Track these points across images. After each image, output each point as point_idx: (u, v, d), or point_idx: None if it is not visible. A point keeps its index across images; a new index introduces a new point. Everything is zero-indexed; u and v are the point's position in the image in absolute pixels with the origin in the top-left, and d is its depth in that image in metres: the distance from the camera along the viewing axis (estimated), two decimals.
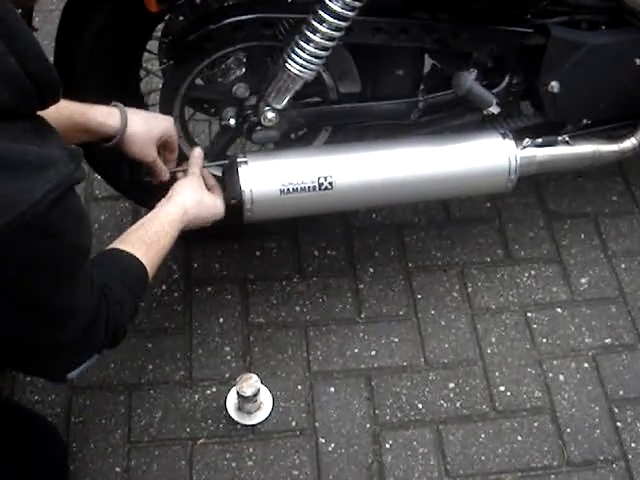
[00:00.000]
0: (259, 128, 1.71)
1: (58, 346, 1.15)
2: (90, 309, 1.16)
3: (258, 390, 1.74)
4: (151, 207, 1.53)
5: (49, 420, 1.72)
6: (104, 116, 1.46)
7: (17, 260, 0.93)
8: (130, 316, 1.33)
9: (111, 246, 1.38)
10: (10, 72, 0.90)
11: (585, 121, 1.89)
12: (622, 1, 1.71)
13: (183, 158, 1.72)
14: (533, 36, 1.70)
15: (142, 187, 1.71)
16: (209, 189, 1.63)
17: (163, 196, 1.54)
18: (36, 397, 1.79)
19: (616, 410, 1.83)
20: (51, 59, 1.22)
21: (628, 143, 1.93)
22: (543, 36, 1.71)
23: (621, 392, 1.86)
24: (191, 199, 1.53)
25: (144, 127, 1.51)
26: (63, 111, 1.33)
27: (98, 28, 1.54)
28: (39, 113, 1.01)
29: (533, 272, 2.06)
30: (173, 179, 1.63)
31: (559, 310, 2.00)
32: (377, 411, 1.81)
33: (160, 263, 1.43)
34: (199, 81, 1.75)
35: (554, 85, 1.76)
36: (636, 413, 1.83)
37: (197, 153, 1.66)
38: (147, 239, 1.40)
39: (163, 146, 1.60)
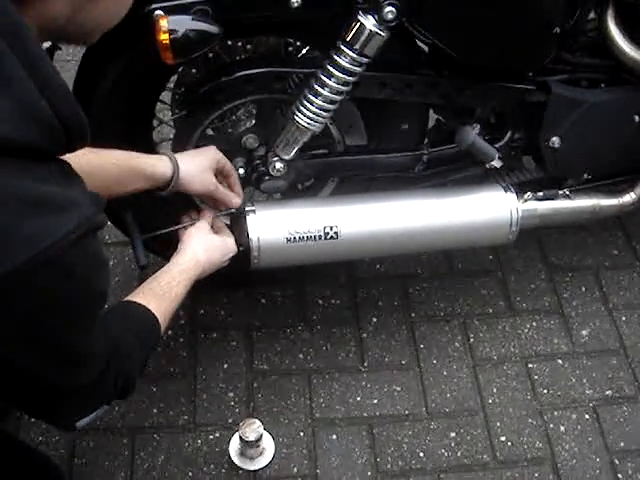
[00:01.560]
0: (267, 178, 1.75)
1: (68, 392, 1.14)
2: (102, 359, 1.16)
3: (261, 436, 1.75)
4: (160, 254, 1.54)
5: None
6: (154, 160, 1.52)
7: (34, 298, 0.93)
8: (140, 368, 1.34)
9: (124, 300, 1.40)
10: (42, 115, 0.91)
11: (585, 176, 1.92)
12: (621, 60, 1.75)
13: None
14: (534, 93, 1.74)
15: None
16: (216, 231, 1.65)
17: (176, 244, 1.57)
18: (40, 438, 1.80)
19: (617, 462, 1.84)
20: None
21: (628, 197, 1.96)
22: (544, 93, 1.75)
23: (622, 444, 1.87)
24: (201, 247, 1.56)
25: (193, 161, 1.56)
26: (119, 162, 1.45)
27: (114, 79, 1.58)
28: (66, 157, 1.03)
29: (534, 324, 2.08)
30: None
31: (560, 361, 2.01)
32: (378, 459, 1.82)
33: (174, 313, 1.44)
34: (210, 131, 1.79)
35: (555, 141, 1.80)
36: (637, 465, 1.83)
37: (209, 212, 1.69)
38: (159, 290, 1.42)
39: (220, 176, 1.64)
